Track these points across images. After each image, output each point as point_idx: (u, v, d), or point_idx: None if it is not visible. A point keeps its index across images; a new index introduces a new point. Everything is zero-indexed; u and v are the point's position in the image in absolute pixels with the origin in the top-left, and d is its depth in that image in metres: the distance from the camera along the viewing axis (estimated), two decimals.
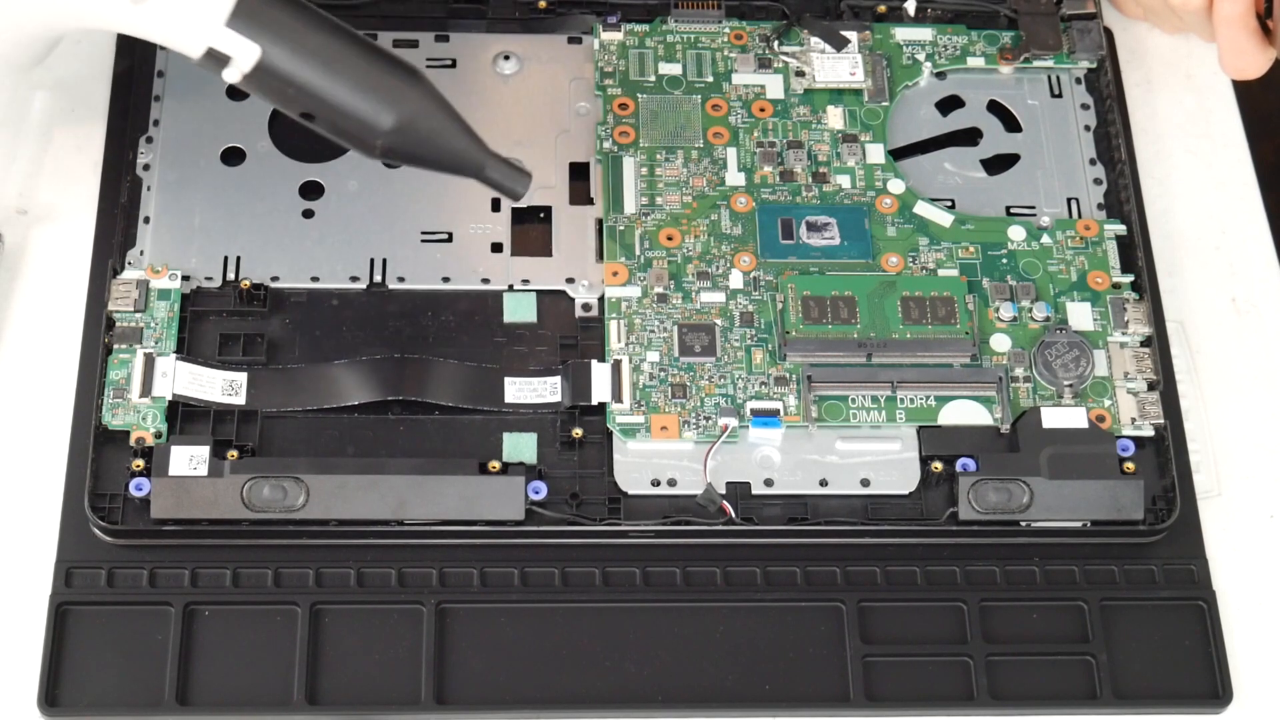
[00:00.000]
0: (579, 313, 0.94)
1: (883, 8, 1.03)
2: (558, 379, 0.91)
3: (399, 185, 0.97)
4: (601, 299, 0.93)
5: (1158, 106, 1.05)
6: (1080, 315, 0.94)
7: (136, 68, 0.98)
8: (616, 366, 0.91)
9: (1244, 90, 1.07)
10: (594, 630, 0.86)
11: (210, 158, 0.97)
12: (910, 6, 1.04)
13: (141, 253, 0.93)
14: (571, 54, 1.02)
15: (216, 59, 0.83)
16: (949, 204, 0.98)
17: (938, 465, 0.89)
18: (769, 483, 0.89)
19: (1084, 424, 0.90)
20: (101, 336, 0.90)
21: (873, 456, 0.90)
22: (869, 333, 0.92)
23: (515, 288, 0.94)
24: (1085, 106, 1.01)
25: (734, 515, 0.88)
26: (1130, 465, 0.89)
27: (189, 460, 0.86)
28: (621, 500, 0.88)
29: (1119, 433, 0.91)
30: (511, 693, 0.85)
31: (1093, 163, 0.99)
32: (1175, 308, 0.97)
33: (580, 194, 0.97)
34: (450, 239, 0.95)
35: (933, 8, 1.03)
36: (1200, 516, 0.91)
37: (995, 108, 1.01)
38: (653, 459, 0.89)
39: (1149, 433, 0.91)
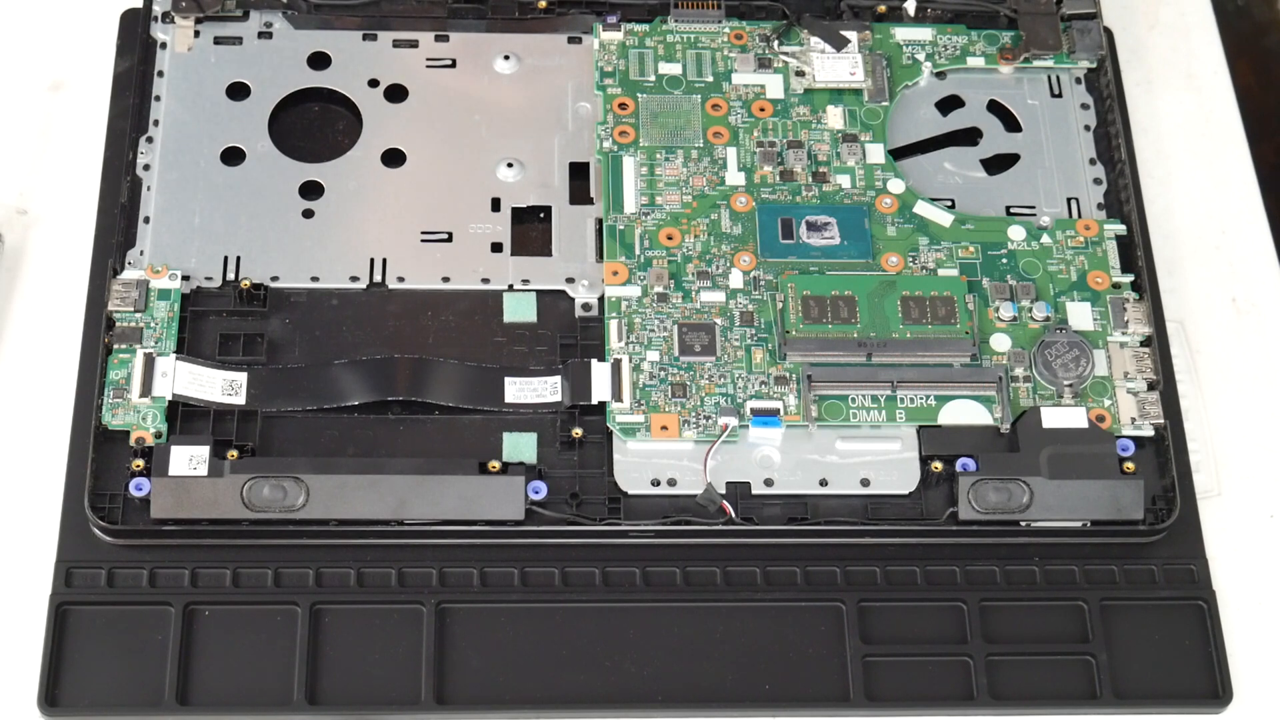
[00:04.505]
0: (579, 312, 0.94)
1: (883, 8, 1.03)
2: (558, 379, 0.91)
3: (399, 185, 0.97)
4: (601, 299, 0.93)
5: (1158, 106, 1.05)
6: (1080, 315, 0.94)
7: (136, 68, 0.98)
8: (616, 366, 0.91)
9: (1244, 90, 1.07)
10: (594, 630, 0.86)
11: (210, 158, 0.97)
12: (910, 6, 1.04)
13: (141, 253, 0.93)
14: (571, 54, 1.02)
15: None
16: (949, 204, 0.98)
17: (938, 465, 0.89)
18: (769, 482, 0.89)
19: (1084, 424, 0.90)
20: (101, 336, 0.90)
21: (873, 456, 0.90)
22: (869, 332, 0.92)
23: (515, 287, 0.94)
24: (1085, 106, 1.01)
25: (734, 515, 0.88)
26: (1130, 465, 0.89)
27: (189, 460, 0.86)
28: (621, 500, 0.88)
29: (1119, 433, 0.90)
30: (511, 693, 0.85)
31: (1093, 163, 0.99)
32: (1175, 307, 0.98)
33: (580, 194, 0.97)
34: (450, 239, 0.95)
35: (933, 8, 1.03)
36: (1200, 516, 0.91)
37: (995, 108, 1.01)
38: (653, 459, 0.89)
39: (1149, 433, 0.91)
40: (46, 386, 0.91)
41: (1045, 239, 0.96)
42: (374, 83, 1.00)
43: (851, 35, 1.02)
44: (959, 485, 0.88)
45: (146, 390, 0.88)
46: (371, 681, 0.84)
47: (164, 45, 1.00)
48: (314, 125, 1.00)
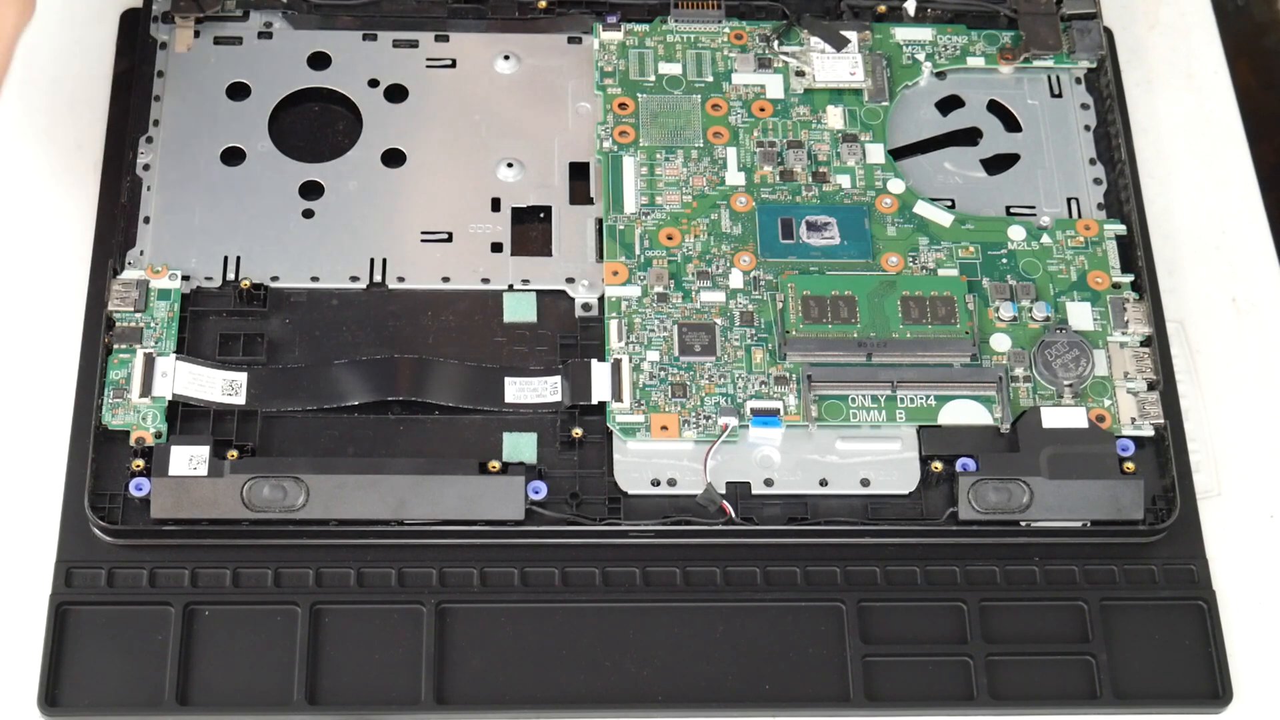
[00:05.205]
0: (579, 312, 0.94)
1: (883, 8, 1.03)
2: (558, 379, 0.91)
3: (399, 185, 0.97)
4: (601, 299, 0.93)
5: (1158, 106, 1.05)
6: (1080, 315, 0.94)
7: (136, 68, 0.98)
8: (616, 366, 0.91)
9: (1244, 90, 1.07)
10: (594, 630, 0.86)
11: (210, 158, 0.97)
12: (910, 6, 1.04)
13: (141, 253, 0.93)
14: (571, 54, 1.02)
15: None
16: (949, 204, 0.98)
17: (938, 465, 0.89)
18: (769, 482, 0.89)
19: (1084, 424, 0.90)
20: (101, 336, 0.90)
21: (873, 456, 0.90)
22: (869, 332, 0.92)
23: (515, 287, 0.94)
24: (1085, 106, 1.01)
25: (734, 515, 0.88)
26: (1130, 465, 0.89)
27: (189, 460, 0.86)
28: (621, 500, 0.88)
29: (1119, 433, 0.90)
30: (511, 693, 0.85)
31: (1093, 163, 0.99)
32: (1175, 307, 0.98)
33: (580, 194, 0.97)
34: (450, 239, 0.95)
35: (933, 8, 1.03)
36: (1200, 516, 0.91)
37: (995, 108, 1.01)
38: (653, 459, 0.89)
39: (1149, 433, 0.91)
40: (46, 386, 0.91)
41: (1045, 239, 0.96)
42: (374, 83, 1.00)
43: (851, 35, 1.02)
44: (959, 485, 0.88)
45: (146, 390, 0.88)
46: (371, 681, 0.84)
47: (164, 45, 1.00)
48: (314, 125, 1.00)
